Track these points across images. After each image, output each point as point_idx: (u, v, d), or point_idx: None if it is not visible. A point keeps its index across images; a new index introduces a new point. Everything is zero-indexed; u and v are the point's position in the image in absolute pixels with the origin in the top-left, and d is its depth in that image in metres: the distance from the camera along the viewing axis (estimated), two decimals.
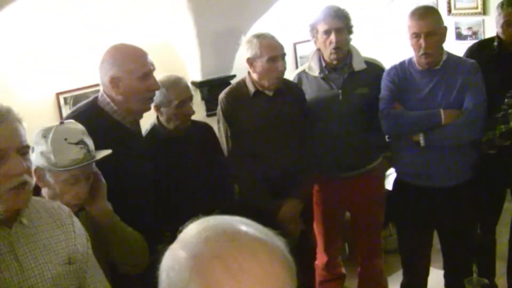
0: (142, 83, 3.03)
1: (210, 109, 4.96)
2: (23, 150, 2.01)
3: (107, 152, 2.59)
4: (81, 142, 2.47)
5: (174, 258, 1.14)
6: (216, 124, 3.98)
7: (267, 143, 3.88)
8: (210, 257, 1.09)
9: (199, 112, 4.20)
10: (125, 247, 2.70)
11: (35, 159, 2.45)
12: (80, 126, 2.56)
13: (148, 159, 3.25)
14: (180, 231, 1.21)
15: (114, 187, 2.75)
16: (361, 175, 4.21)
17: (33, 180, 2.12)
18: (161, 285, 1.17)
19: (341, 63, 4.11)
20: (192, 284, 1.08)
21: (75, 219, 2.26)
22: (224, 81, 4.92)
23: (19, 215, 2.04)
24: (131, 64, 3.01)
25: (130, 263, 2.78)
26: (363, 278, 4.60)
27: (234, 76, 5.00)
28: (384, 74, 3.94)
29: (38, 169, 2.47)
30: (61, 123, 2.53)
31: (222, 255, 1.08)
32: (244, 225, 1.17)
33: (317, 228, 4.40)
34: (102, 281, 2.29)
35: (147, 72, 3.05)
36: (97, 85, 4.31)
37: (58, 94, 4.37)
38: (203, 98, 5.01)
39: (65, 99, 4.39)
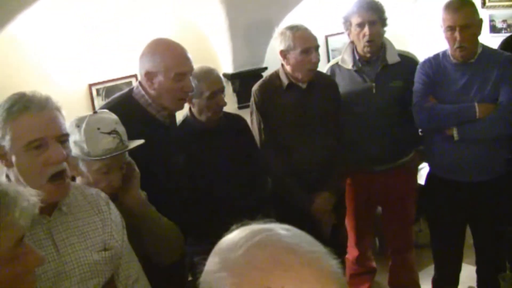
0: (176, 82, 3.00)
1: (242, 101, 4.95)
2: (63, 138, 2.05)
3: (140, 142, 2.59)
4: (114, 132, 2.47)
5: (217, 280, 1.06)
6: (249, 117, 3.97)
7: (300, 135, 3.85)
8: (242, 267, 1.03)
9: (230, 104, 4.19)
10: (158, 237, 2.69)
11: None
12: (113, 116, 2.56)
13: (180, 152, 3.24)
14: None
15: (147, 180, 2.75)
16: (394, 169, 4.18)
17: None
18: None
19: (375, 56, 4.08)
20: None
21: (112, 206, 2.29)
22: (255, 74, 4.91)
23: (58, 202, 2.07)
24: (168, 62, 2.99)
25: (163, 253, 2.78)
26: (394, 272, 4.58)
27: (265, 68, 4.99)
28: (418, 67, 3.89)
29: (71, 158, 2.48)
30: (95, 112, 2.55)
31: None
32: (294, 242, 1.07)
33: (348, 222, 4.39)
34: (136, 268, 2.31)
35: (183, 73, 3.01)
36: (129, 76, 4.39)
37: (90, 85, 4.40)
38: (234, 90, 5.00)
39: (97, 90, 4.42)
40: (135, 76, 4.45)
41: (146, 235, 2.66)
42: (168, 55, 3.00)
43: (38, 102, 2.00)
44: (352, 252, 4.51)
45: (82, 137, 2.43)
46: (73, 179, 2.56)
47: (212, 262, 1.09)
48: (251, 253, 1.05)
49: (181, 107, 3.19)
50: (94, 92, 4.40)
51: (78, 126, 2.45)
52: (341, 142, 3.99)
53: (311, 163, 3.87)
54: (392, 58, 4.09)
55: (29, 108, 1.98)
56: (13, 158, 2.00)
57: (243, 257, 1.05)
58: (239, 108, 4.94)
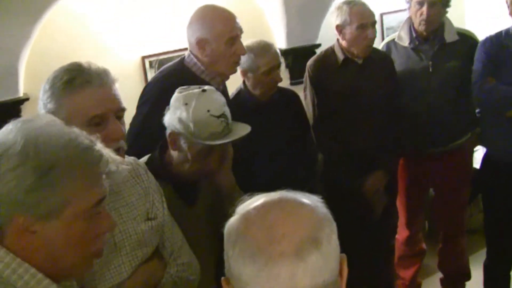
0: (229, 47, 3.01)
1: (294, 78, 4.94)
2: (120, 114, 1.99)
3: (247, 129, 2.51)
4: (223, 116, 2.38)
5: (229, 224, 1.31)
6: (302, 92, 3.93)
7: (355, 112, 3.79)
8: (248, 211, 1.27)
9: (283, 80, 4.15)
10: None
11: (171, 122, 2.41)
12: (221, 97, 2.48)
13: None
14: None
15: None
16: (449, 151, 4.08)
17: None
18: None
19: (433, 34, 3.97)
20: (231, 234, 1.26)
21: (150, 174, 2.25)
22: (309, 50, 4.89)
23: None
24: (219, 27, 3.00)
25: None
26: (444, 256, 4.50)
27: (319, 45, 4.95)
28: (479, 45, 3.78)
29: (173, 134, 2.42)
30: (203, 90, 2.43)
31: (256, 208, 1.26)
32: (297, 196, 1.30)
33: (400, 202, 4.31)
34: (180, 235, 2.29)
35: (234, 37, 3.03)
36: (182, 49, 4.38)
37: (143, 58, 4.41)
38: (287, 66, 4.98)
39: (150, 62, 4.43)
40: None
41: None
42: (218, 21, 3.01)
43: (98, 76, 1.93)
44: (402, 233, 4.43)
45: (190, 116, 2.35)
46: (165, 150, 2.53)
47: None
48: (255, 199, 1.30)
49: (235, 71, 3.19)
50: (147, 65, 4.41)
51: (186, 104, 2.37)
52: (396, 120, 3.91)
53: (365, 140, 3.81)
54: (450, 37, 3.97)
55: (90, 83, 1.90)
56: None
57: (256, 207, 1.27)
58: (292, 84, 4.90)
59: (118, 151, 1.95)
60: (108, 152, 1.51)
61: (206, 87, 2.48)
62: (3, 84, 3.84)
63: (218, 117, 2.37)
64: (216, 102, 2.40)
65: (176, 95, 2.42)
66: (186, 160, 2.45)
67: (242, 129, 2.49)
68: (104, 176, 1.48)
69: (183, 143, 2.42)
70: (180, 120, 2.37)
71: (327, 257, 1.20)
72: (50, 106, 1.92)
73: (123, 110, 2.00)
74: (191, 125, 2.35)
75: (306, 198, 1.28)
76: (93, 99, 1.90)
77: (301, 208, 1.24)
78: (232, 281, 1.24)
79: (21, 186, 1.33)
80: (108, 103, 1.93)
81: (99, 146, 1.49)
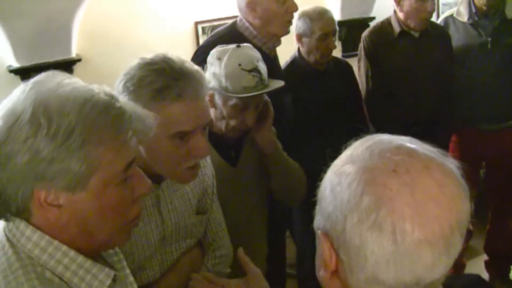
0: (280, 5, 2.99)
1: (347, 50, 4.90)
2: (206, 125, 1.86)
3: (280, 83, 2.46)
4: (254, 70, 2.35)
5: (341, 173, 1.09)
6: (357, 63, 3.88)
7: (409, 85, 3.76)
8: (385, 169, 1.05)
9: (335, 52, 4.12)
10: (285, 177, 2.62)
11: (207, 78, 2.41)
12: (256, 53, 2.45)
13: (287, 92, 3.17)
14: (338, 150, 1.16)
15: None
16: (505, 129, 4.01)
17: None
18: (322, 202, 1.13)
19: (493, 9, 3.87)
20: (365, 197, 1.03)
21: (208, 157, 2.17)
22: (363, 23, 4.84)
23: None
24: None
25: (288, 195, 2.74)
26: (491, 237, 4.44)
27: (373, 18, 4.89)
28: None
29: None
30: (238, 46, 2.42)
31: (398, 169, 1.04)
32: (416, 144, 1.11)
33: None
34: (222, 223, 2.26)
35: None
36: (236, 16, 4.35)
37: (196, 23, 4.39)
38: (340, 38, 4.91)
39: (203, 28, 4.41)
40: None
41: (273, 174, 2.61)
42: None
43: (193, 88, 1.75)
44: None
45: (222, 71, 2.34)
46: None
47: (333, 166, 1.13)
48: (375, 147, 1.09)
49: (288, 32, 3.13)
50: (200, 31, 4.39)
51: (219, 58, 2.37)
52: (450, 96, 3.84)
53: (418, 114, 3.78)
54: (511, 13, 3.87)
55: (183, 97, 1.73)
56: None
57: (366, 150, 1.09)
58: (344, 56, 4.83)
59: (195, 166, 1.87)
60: (131, 105, 1.36)
61: (243, 44, 2.47)
62: (57, 44, 3.86)
63: (250, 71, 2.34)
64: (249, 57, 2.38)
65: (212, 51, 2.42)
66: (222, 116, 2.43)
67: (276, 84, 2.46)
68: (130, 133, 1.32)
69: (217, 99, 2.41)
70: (213, 75, 2.36)
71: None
72: None
73: (210, 121, 1.87)
74: (223, 79, 2.34)
75: (445, 159, 1.10)
76: (184, 115, 1.74)
77: (451, 178, 1.06)
78: (336, 241, 1.09)
79: (37, 158, 1.20)
80: (198, 119, 1.78)
81: (121, 100, 1.33)
